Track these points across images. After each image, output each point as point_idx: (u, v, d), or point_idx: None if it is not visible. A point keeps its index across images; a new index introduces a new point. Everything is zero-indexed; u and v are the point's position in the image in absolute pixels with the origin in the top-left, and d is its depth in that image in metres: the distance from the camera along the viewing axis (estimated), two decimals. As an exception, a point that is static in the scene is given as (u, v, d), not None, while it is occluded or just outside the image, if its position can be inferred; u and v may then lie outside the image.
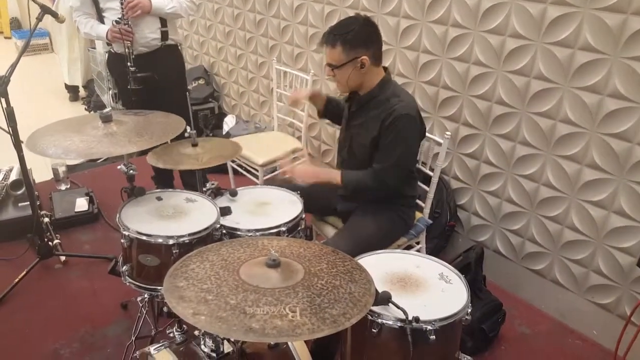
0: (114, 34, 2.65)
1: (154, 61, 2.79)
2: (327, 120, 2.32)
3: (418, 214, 2.22)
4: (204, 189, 1.99)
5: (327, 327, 1.07)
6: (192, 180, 2.59)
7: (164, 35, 2.79)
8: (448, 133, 2.12)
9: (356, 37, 1.85)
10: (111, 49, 2.83)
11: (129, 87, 2.71)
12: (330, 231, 2.20)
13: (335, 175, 1.98)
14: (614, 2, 1.86)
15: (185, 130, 1.96)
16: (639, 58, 1.86)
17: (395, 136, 1.88)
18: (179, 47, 2.97)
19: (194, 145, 1.97)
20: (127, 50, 2.67)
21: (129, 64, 2.68)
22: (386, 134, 1.89)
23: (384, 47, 2.74)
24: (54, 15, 2.42)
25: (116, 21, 2.65)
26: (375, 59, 1.91)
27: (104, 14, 2.73)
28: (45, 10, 2.35)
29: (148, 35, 2.73)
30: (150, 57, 2.78)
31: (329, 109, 2.22)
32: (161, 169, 2.02)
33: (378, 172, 1.92)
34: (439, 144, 2.14)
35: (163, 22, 2.78)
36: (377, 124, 1.91)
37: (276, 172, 3.15)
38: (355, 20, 1.89)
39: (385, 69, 1.98)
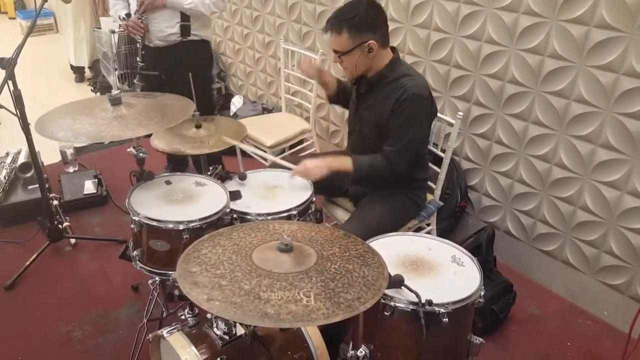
0: (126, 27, 2.61)
1: (172, 56, 2.70)
2: (337, 106, 2.26)
3: (429, 196, 2.20)
4: (209, 173, 1.97)
5: (342, 311, 1.07)
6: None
7: (184, 31, 2.66)
8: (460, 113, 2.08)
9: (362, 21, 1.80)
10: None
11: (135, 81, 2.69)
12: (340, 213, 2.19)
13: (346, 162, 1.93)
14: (632, -23, 1.81)
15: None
16: (657, 35, 1.81)
17: (406, 118, 1.84)
18: (207, 44, 2.81)
19: (198, 127, 1.94)
20: (138, 45, 2.61)
21: (138, 58, 2.63)
22: (396, 116, 1.85)
23: (395, 25, 2.72)
24: (61, -5, 2.39)
25: (123, 17, 2.59)
26: (382, 41, 1.86)
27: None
28: (51, -10, 2.32)
29: (165, 29, 2.65)
30: (167, 52, 2.70)
31: (339, 95, 2.17)
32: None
33: (389, 155, 1.88)
34: (451, 125, 2.11)
35: (184, 17, 2.65)
36: (388, 104, 1.87)
37: (285, 154, 3.13)
38: (359, 3, 1.82)
39: (393, 49, 1.94)
